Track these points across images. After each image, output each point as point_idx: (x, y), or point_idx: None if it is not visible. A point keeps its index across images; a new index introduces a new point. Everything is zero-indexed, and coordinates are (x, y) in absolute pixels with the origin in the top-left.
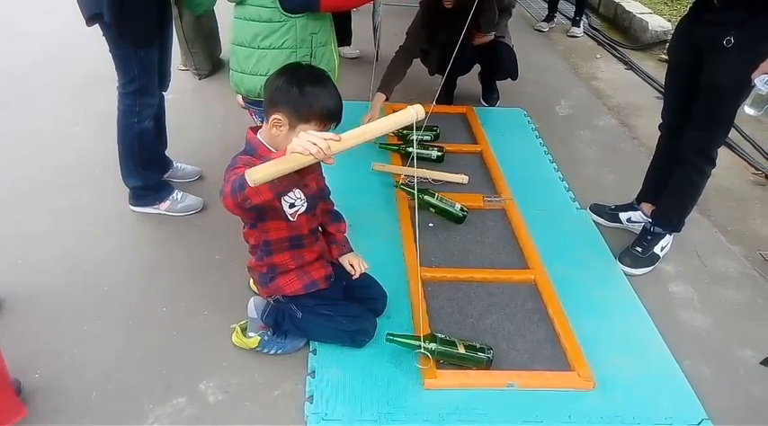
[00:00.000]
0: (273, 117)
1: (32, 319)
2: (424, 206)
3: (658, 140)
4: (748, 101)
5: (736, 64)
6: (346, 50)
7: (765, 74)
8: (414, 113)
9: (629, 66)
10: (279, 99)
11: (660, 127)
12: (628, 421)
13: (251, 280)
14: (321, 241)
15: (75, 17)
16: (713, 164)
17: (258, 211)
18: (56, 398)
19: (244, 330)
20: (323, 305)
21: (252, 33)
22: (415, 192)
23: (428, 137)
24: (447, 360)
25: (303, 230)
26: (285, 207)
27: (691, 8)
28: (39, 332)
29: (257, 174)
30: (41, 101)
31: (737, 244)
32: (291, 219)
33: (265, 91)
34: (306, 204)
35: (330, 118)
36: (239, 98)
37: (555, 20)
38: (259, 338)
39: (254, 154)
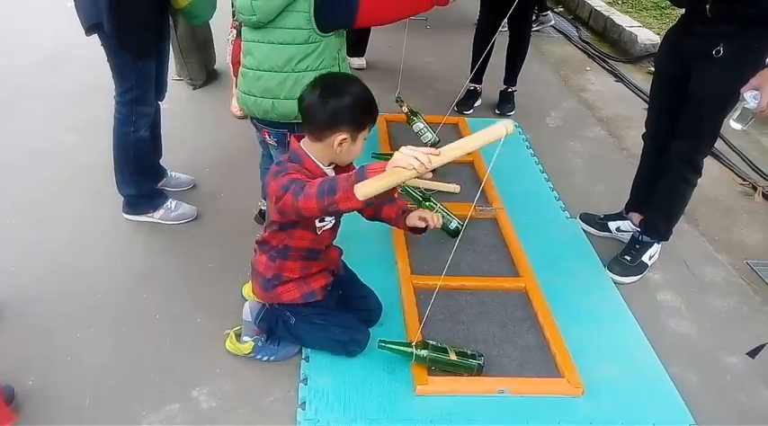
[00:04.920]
0: (340, 138)
1: (26, 326)
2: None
3: (642, 150)
4: (734, 115)
5: (725, 74)
6: (354, 61)
7: (754, 89)
8: (504, 129)
9: (619, 78)
10: (338, 119)
11: (643, 136)
12: None
13: (244, 288)
14: (330, 253)
15: (71, 26)
16: (699, 174)
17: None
18: (49, 405)
19: (238, 336)
20: (316, 314)
21: (285, 57)
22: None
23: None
24: (439, 367)
25: (323, 245)
26: (317, 221)
27: (681, 18)
28: (32, 338)
29: (367, 189)
30: (36, 109)
31: (724, 253)
32: (317, 233)
33: (313, 113)
34: (333, 221)
35: (375, 118)
36: (234, 109)
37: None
38: (253, 343)
39: (300, 163)
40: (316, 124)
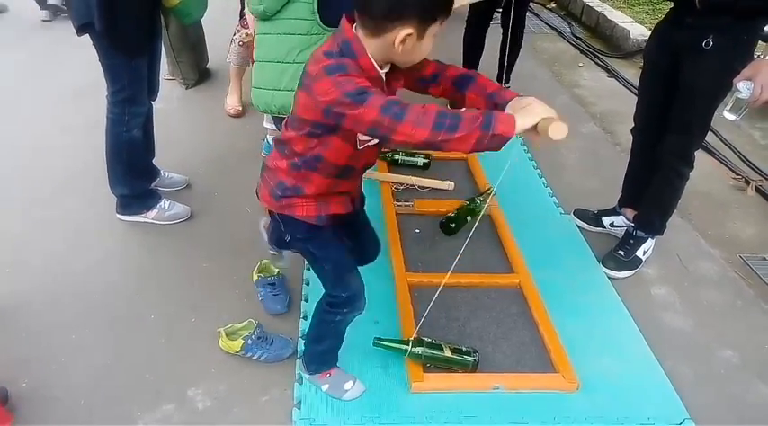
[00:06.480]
0: (404, 33)
1: (20, 327)
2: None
3: (632, 144)
4: (728, 106)
5: (715, 65)
6: None
7: (747, 79)
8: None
9: (612, 73)
10: (402, 5)
11: (632, 130)
12: (611, 422)
13: (254, 271)
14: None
15: (63, 26)
16: (691, 167)
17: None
18: (44, 406)
19: (229, 334)
20: (316, 243)
21: (287, 48)
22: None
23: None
24: (434, 364)
25: (359, 163)
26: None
27: (670, 12)
28: (27, 340)
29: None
30: (29, 110)
31: (718, 247)
32: (358, 147)
33: (379, 4)
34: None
35: (449, 8)
36: (228, 108)
37: None
38: (242, 342)
39: (354, 58)
40: (374, 12)
